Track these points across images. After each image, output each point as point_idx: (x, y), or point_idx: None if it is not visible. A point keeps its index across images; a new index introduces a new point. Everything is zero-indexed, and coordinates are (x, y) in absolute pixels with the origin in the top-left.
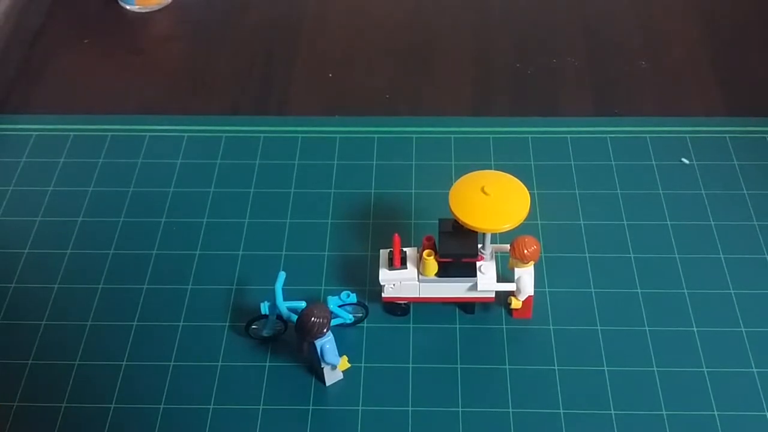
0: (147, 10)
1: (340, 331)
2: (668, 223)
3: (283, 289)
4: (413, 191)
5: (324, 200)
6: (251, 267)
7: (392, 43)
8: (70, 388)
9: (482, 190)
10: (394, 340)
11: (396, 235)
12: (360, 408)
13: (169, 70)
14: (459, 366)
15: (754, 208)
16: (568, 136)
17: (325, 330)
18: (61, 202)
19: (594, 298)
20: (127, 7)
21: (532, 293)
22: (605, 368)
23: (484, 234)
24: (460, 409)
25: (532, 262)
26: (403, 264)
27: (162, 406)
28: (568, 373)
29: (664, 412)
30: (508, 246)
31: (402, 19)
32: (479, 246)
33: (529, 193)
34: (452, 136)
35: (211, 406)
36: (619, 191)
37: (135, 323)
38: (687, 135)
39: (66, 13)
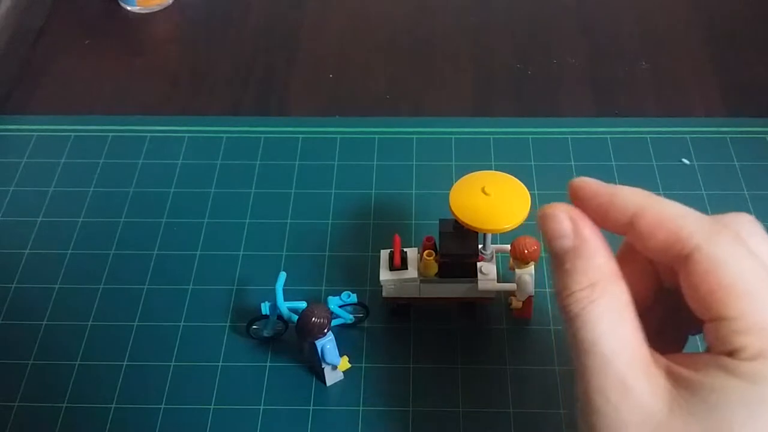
0: (148, 11)
1: (340, 332)
2: None
3: (283, 289)
4: (414, 192)
5: (324, 201)
6: (252, 267)
7: (392, 44)
8: (70, 388)
9: (482, 190)
10: (395, 340)
11: (396, 235)
12: (360, 408)
13: (170, 70)
14: (459, 366)
15: (754, 209)
16: (569, 136)
17: (325, 330)
18: (62, 203)
19: None
20: (128, 7)
21: (533, 293)
22: None
23: (484, 234)
24: (461, 409)
25: (532, 263)
26: (404, 264)
27: (163, 406)
28: (568, 373)
29: None
30: (508, 246)
31: (402, 19)
32: (479, 246)
33: (530, 193)
34: (453, 136)
35: (212, 406)
36: None
37: (136, 323)
38: (687, 135)
39: (67, 14)
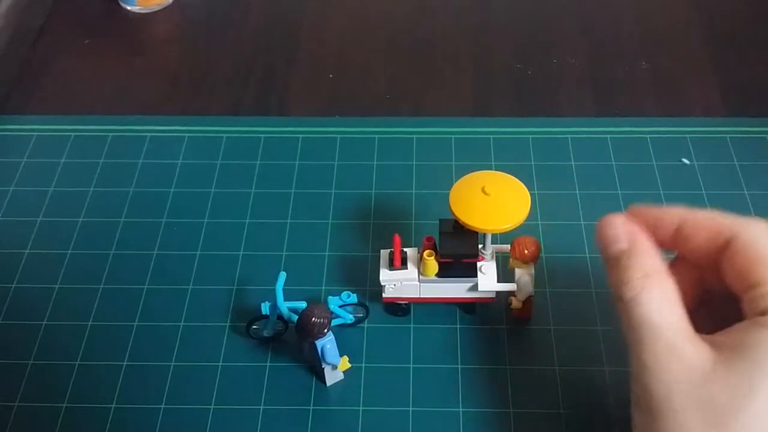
0: (148, 11)
1: (340, 332)
2: None
3: (283, 289)
4: (414, 191)
5: (324, 200)
6: (252, 267)
7: (392, 44)
8: (70, 388)
9: (482, 190)
10: (395, 340)
11: (396, 235)
12: (360, 408)
13: (170, 70)
14: (459, 366)
15: (754, 209)
16: (569, 136)
17: (325, 330)
18: (62, 203)
19: (594, 298)
20: (128, 7)
21: (533, 293)
22: (605, 368)
23: (484, 234)
24: (461, 409)
25: (532, 263)
26: (404, 264)
27: (163, 406)
28: (568, 373)
29: None
30: (508, 246)
31: (402, 19)
32: (479, 246)
33: (530, 193)
34: (453, 136)
35: (212, 407)
36: (619, 191)
37: (136, 323)
38: (687, 135)
39: (67, 14)
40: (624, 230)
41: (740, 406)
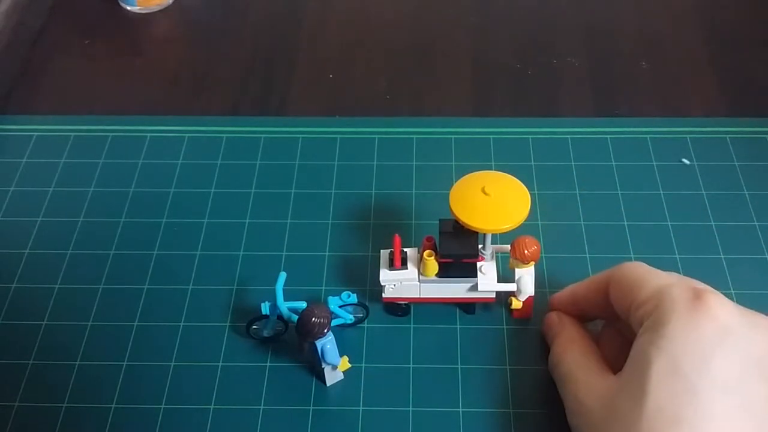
0: (148, 11)
1: (340, 332)
2: (668, 223)
3: (283, 289)
4: (414, 192)
5: (324, 201)
6: (252, 267)
7: (392, 44)
8: (70, 388)
9: (482, 190)
10: (395, 341)
11: (396, 235)
12: (360, 408)
13: (170, 70)
14: (459, 366)
15: (754, 209)
16: (569, 136)
17: (325, 330)
18: (62, 203)
19: None
20: (128, 7)
21: (533, 293)
22: None
23: (484, 234)
24: (461, 410)
25: (532, 263)
26: (404, 264)
27: (163, 406)
28: None
29: None
30: (508, 246)
31: (402, 19)
32: (479, 246)
33: (530, 193)
34: (453, 136)
35: (212, 407)
36: (619, 191)
37: (136, 323)
38: (687, 135)
39: (67, 14)
40: (556, 321)
41: (640, 406)
